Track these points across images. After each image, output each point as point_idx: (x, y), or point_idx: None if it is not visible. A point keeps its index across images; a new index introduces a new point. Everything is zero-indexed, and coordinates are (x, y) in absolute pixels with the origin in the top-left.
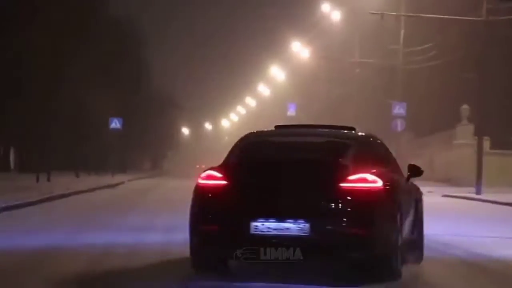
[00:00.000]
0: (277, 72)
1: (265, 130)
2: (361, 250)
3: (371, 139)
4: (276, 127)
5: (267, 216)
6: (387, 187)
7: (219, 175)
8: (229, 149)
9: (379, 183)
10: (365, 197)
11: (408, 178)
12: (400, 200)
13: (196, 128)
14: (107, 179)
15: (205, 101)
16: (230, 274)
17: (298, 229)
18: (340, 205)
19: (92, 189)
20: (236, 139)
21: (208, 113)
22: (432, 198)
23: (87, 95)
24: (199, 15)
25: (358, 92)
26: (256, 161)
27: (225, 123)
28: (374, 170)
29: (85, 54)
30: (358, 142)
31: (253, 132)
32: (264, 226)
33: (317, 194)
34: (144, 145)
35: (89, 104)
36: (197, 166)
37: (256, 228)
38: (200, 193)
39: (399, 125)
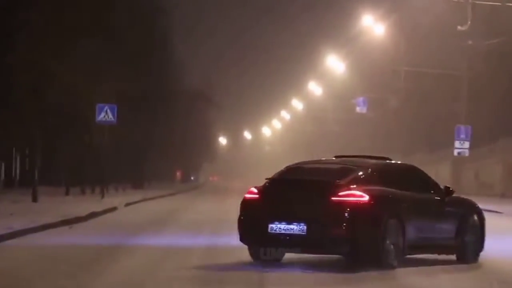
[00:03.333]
0: (332, 67)
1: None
2: (344, 246)
3: (386, 166)
4: (335, 157)
5: (279, 220)
6: (374, 201)
7: (255, 190)
8: (270, 160)
9: (366, 198)
10: (349, 207)
11: (446, 195)
12: (392, 210)
13: (235, 137)
14: (93, 201)
15: (245, 107)
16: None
17: (299, 230)
18: (330, 213)
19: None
20: (278, 148)
21: (248, 120)
22: None
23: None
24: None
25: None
26: (279, 180)
27: (266, 131)
28: (369, 188)
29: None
30: (365, 168)
31: (299, 162)
32: (277, 227)
33: (315, 205)
34: (173, 152)
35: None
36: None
37: (271, 229)
38: (243, 204)
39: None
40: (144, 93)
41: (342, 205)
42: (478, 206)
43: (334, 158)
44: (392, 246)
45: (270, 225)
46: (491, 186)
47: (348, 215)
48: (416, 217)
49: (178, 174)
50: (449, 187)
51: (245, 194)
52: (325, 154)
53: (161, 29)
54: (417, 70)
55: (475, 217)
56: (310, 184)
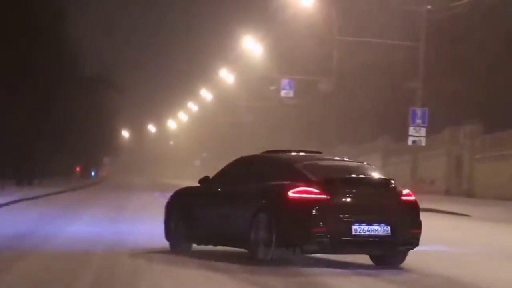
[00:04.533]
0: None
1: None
2: (417, 243)
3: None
4: (265, 152)
5: (360, 222)
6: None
7: (316, 190)
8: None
9: (412, 197)
10: (417, 205)
11: None
12: None
13: (138, 130)
14: None
15: (150, 98)
16: None
17: (383, 231)
18: (408, 211)
19: None
20: (183, 142)
21: (152, 113)
22: None
23: None
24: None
25: None
26: (338, 179)
27: (171, 124)
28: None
29: None
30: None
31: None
32: (360, 228)
33: (392, 204)
34: (70, 144)
35: None
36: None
37: (355, 231)
38: (304, 204)
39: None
40: (30, 72)
41: (414, 203)
42: None
43: (264, 154)
44: None
45: (354, 227)
46: (432, 182)
47: (418, 212)
48: None
49: (78, 169)
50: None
51: (295, 194)
52: (239, 146)
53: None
54: (352, 40)
55: None
56: (377, 183)
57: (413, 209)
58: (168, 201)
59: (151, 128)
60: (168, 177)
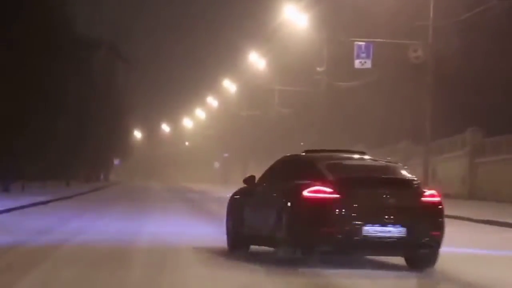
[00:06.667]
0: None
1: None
2: (439, 245)
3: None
4: (305, 151)
5: (373, 222)
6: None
7: (329, 190)
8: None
9: (435, 198)
10: (440, 206)
11: None
12: None
13: (151, 130)
14: None
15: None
16: None
17: (398, 232)
18: (427, 212)
19: None
20: (201, 144)
21: (167, 111)
22: None
23: None
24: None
25: None
26: (353, 178)
27: (187, 123)
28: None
29: None
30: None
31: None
32: (372, 229)
33: (410, 205)
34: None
35: None
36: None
37: (367, 231)
38: (317, 203)
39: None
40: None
41: (437, 204)
42: None
43: (304, 154)
44: None
45: (365, 228)
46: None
47: (440, 213)
48: None
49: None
50: None
51: (309, 193)
52: (273, 145)
53: None
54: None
55: None
56: (395, 183)
57: (435, 210)
58: (229, 201)
59: (165, 127)
60: (185, 181)
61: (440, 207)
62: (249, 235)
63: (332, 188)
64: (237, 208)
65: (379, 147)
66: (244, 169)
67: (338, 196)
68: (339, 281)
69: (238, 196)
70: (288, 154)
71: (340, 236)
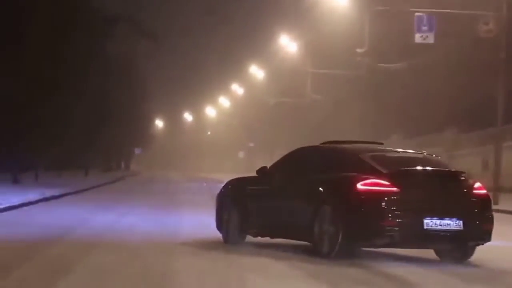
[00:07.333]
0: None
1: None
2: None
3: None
4: (326, 143)
5: (432, 215)
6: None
7: (385, 182)
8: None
9: (484, 191)
10: (489, 199)
11: None
12: None
13: (173, 119)
14: None
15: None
16: None
17: (456, 225)
18: (481, 206)
19: None
20: (225, 133)
21: (189, 100)
22: None
23: None
24: None
25: None
26: (406, 171)
27: (210, 111)
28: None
29: None
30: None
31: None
32: (433, 222)
33: (465, 198)
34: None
35: None
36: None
37: (427, 225)
38: (371, 196)
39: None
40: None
41: (486, 197)
42: None
43: (324, 145)
44: None
45: (425, 221)
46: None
47: (490, 206)
48: None
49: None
50: None
51: (364, 186)
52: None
53: None
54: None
55: None
56: (448, 175)
57: (485, 203)
58: (220, 192)
59: (187, 116)
60: (207, 171)
61: (489, 199)
62: (263, 227)
63: (389, 181)
64: (236, 200)
65: (417, 136)
66: (271, 159)
67: (396, 189)
68: (387, 271)
69: (235, 187)
70: (305, 146)
71: (399, 229)
